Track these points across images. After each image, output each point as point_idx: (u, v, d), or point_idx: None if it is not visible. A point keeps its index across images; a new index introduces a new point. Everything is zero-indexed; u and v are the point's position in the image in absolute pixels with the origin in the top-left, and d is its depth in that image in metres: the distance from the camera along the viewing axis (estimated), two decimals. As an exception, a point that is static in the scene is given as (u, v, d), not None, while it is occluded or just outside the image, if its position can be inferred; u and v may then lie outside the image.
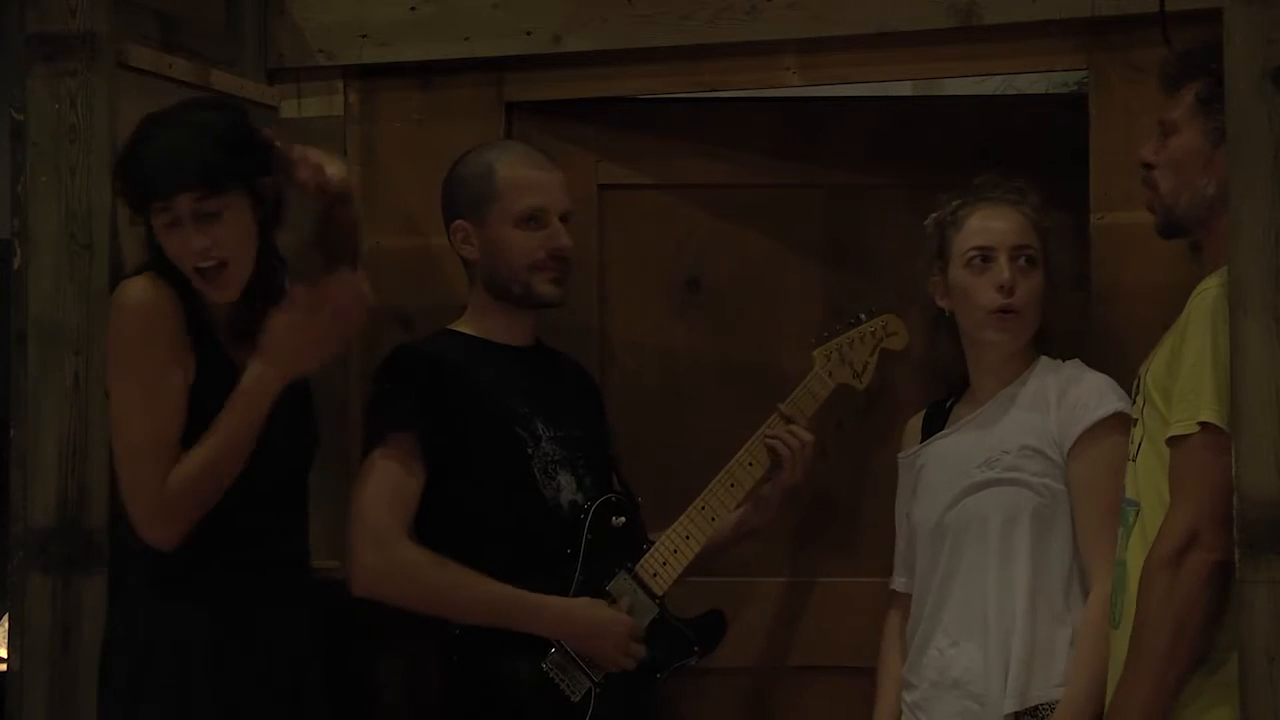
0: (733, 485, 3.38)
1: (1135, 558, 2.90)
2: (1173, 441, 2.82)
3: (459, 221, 3.34)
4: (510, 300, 3.35)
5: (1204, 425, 2.76)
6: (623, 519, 3.31)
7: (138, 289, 2.97)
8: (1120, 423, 3.11)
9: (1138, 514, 2.93)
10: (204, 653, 2.97)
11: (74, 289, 3.10)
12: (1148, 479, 2.91)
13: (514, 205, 3.32)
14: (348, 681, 3.18)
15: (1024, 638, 3.13)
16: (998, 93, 3.93)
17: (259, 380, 2.98)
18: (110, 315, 2.99)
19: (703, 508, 3.35)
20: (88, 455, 3.11)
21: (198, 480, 2.94)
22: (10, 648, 3.19)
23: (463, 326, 3.38)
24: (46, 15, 3.13)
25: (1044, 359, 3.27)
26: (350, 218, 3.20)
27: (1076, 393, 3.19)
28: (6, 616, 3.45)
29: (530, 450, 3.28)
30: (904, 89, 4.03)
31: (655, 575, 3.30)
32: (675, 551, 3.32)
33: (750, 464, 3.39)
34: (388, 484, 3.20)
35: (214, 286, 2.98)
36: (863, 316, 3.51)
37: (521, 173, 3.35)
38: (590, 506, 3.29)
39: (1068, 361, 3.26)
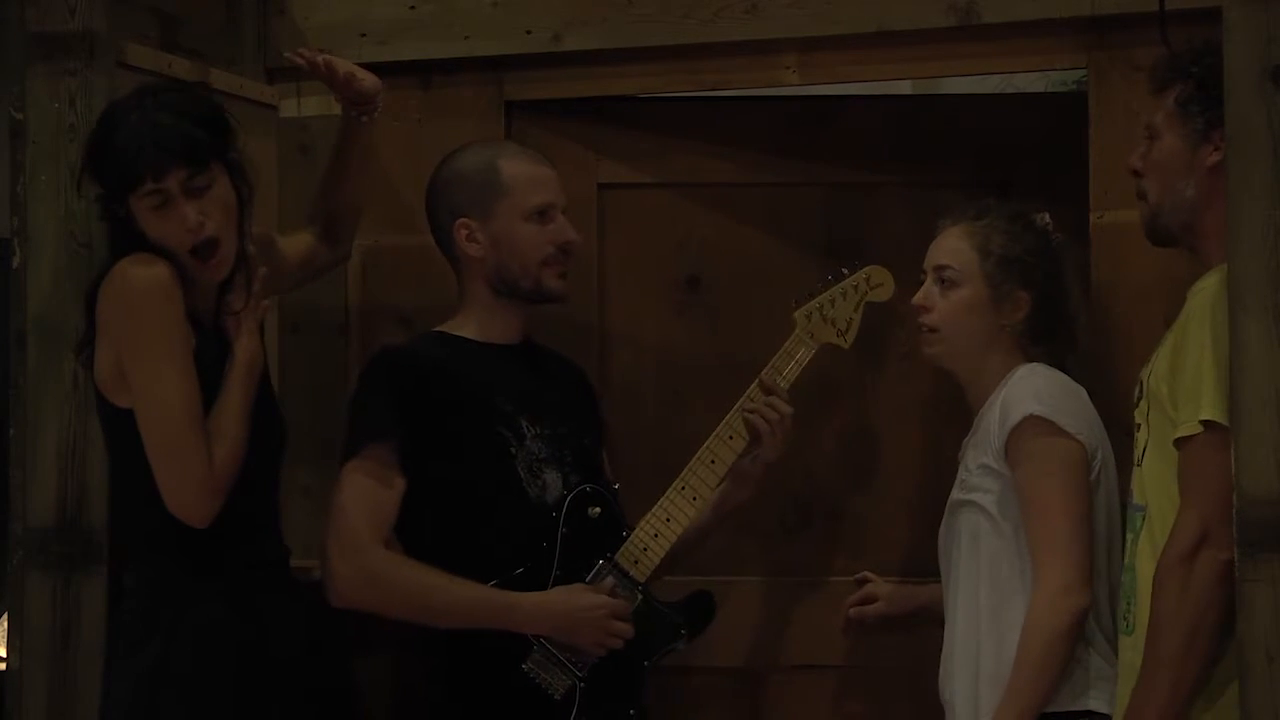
0: (713, 462, 3.30)
1: (1144, 562, 2.90)
2: (1179, 443, 2.82)
3: (463, 219, 3.32)
4: (517, 296, 3.33)
5: (1206, 424, 2.76)
6: (598, 509, 3.25)
7: (143, 268, 2.92)
8: (1034, 425, 3.05)
9: (1144, 518, 2.92)
10: (225, 642, 2.96)
11: (74, 289, 3.10)
12: (1155, 482, 2.90)
13: (524, 201, 3.31)
14: (332, 682, 3.16)
15: (990, 658, 3.07)
16: (997, 92, 3.93)
17: (254, 339, 3.01)
18: (115, 299, 2.93)
19: (683, 488, 3.28)
20: (87, 455, 3.11)
21: (240, 448, 2.94)
22: (10, 648, 3.18)
23: (452, 328, 3.35)
24: (46, 15, 3.13)
25: (1022, 367, 3.16)
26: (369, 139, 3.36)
27: (1005, 401, 3.11)
28: (6, 616, 3.45)
29: (514, 450, 3.25)
30: (904, 88, 4.03)
31: (636, 562, 3.24)
32: (656, 536, 3.25)
33: (730, 438, 3.30)
34: (363, 494, 3.17)
35: (207, 266, 2.97)
36: (845, 271, 3.41)
37: (527, 168, 3.35)
38: (564, 501, 3.25)
39: (1027, 366, 3.16)
